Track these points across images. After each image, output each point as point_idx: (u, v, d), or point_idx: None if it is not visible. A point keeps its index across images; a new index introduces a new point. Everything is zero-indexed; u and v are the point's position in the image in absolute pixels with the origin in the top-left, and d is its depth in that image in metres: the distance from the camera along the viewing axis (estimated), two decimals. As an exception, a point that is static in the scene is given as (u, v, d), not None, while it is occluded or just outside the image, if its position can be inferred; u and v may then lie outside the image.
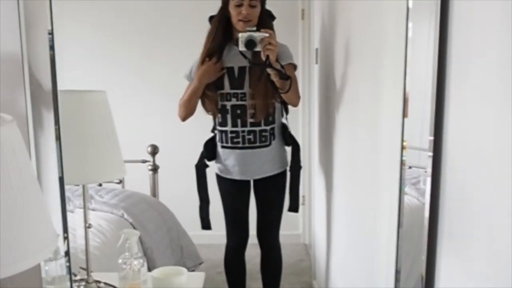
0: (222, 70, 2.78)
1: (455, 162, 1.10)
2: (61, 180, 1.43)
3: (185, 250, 3.49)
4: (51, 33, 1.36)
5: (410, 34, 1.30)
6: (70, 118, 1.55)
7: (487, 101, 0.95)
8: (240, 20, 2.67)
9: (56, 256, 1.51)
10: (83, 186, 1.71)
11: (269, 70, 2.49)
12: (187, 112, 2.88)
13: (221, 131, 2.86)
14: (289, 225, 4.37)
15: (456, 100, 1.09)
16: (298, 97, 2.83)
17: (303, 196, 4.68)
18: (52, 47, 1.38)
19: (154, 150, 3.79)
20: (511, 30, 0.84)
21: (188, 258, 3.49)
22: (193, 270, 3.52)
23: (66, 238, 1.48)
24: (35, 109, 1.39)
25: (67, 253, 1.51)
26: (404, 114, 1.36)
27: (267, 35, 2.43)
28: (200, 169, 2.97)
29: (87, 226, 1.71)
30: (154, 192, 3.81)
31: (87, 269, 1.76)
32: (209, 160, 2.98)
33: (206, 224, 3.00)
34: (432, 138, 1.17)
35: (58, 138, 1.42)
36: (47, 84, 1.38)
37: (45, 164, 1.43)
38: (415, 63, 1.31)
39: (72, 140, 1.55)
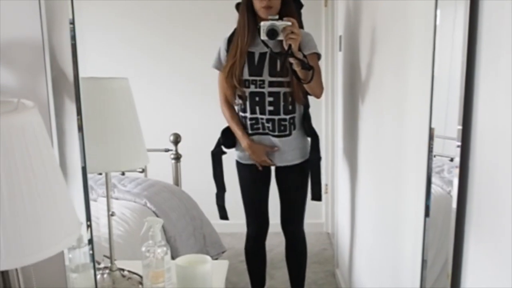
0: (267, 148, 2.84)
1: (484, 152, 1.07)
2: (84, 168, 1.43)
3: (208, 239, 3.48)
4: (72, 20, 1.35)
5: (438, 22, 1.27)
6: (93, 105, 1.54)
7: None
8: (262, 7, 2.64)
9: (79, 244, 1.51)
10: (106, 174, 1.70)
11: (291, 60, 2.46)
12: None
13: (242, 117, 2.85)
14: (312, 214, 4.36)
15: (486, 88, 1.06)
16: (322, 88, 2.79)
17: (326, 185, 4.66)
18: (73, 35, 1.37)
19: (177, 139, 3.78)
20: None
21: (211, 247, 3.49)
22: (216, 259, 3.51)
23: (89, 226, 1.47)
24: (56, 96, 1.38)
25: (90, 241, 1.51)
26: (432, 102, 1.33)
27: (289, 23, 2.39)
28: (216, 155, 2.96)
29: (110, 214, 1.71)
30: (177, 181, 3.81)
31: (110, 257, 1.76)
32: (227, 147, 2.97)
33: (223, 213, 3.01)
34: (460, 127, 1.14)
35: (80, 126, 1.41)
36: (68, 71, 1.37)
37: (68, 152, 1.42)
38: (443, 50, 1.28)
39: (94, 128, 1.53)
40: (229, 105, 2.89)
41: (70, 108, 1.40)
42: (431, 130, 1.35)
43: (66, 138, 1.42)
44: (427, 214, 1.38)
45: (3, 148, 0.91)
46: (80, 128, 1.42)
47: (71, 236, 1.04)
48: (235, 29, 2.81)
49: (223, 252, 3.59)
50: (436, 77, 1.30)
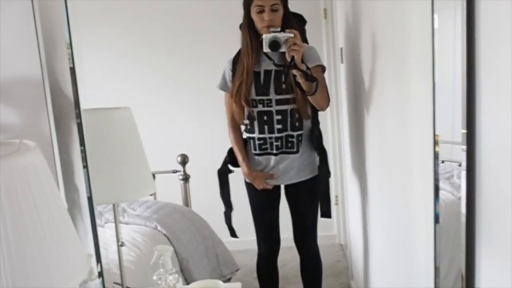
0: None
1: (490, 155, 1.07)
2: (90, 199, 1.42)
3: (220, 258, 3.47)
4: (71, 54, 1.36)
5: (436, 26, 1.28)
6: (96, 137, 1.54)
7: None
8: (264, 27, 2.63)
9: (90, 277, 1.50)
10: (114, 205, 1.70)
11: (294, 71, 2.45)
12: None
13: (250, 138, 2.84)
14: (324, 226, 4.32)
15: (488, 90, 1.06)
16: (327, 100, 2.78)
17: (336, 197, 4.65)
18: (72, 64, 1.37)
19: (184, 160, 3.78)
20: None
21: (224, 266, 3.48)
22: (230, 278, 3.50)
23: (98, 259, 1.47)
24: (59, 130, 1.39)
25: (100, 274, 1.50)
26: (435, 108, 1.32)
27: (291, 35, 2.39)
28: (223, 174, 2.96)
29: (120, 245, 1.70)
30: (187, 202, 3.80)
31: (122, 285, 1.75)
32: (234, 166, 2.96)
33: (232, 231, 3.01)
34: (465, 131, 1.14)
35: (84, 158, 1.41)
36: (70, 104, 1.37)
37: (74, 185, 1.42)
38: (442, 55, 1.28)
39: (99, 159, 1.54)
40: (235, 127, 2.89)
41: (73, 141, 1.40)
42: (435, 136, 1.35)
43: (71, 171, 1.42)
44: (436, 221, 1.38)
45: (7, 191, 0.90)
46: (84, 159, 1.42)
47: (80, 274, 1.04)
48: (240, 50, 2.81)
49: (236, 271, 3.58)
50: (438, 83, 1.30)
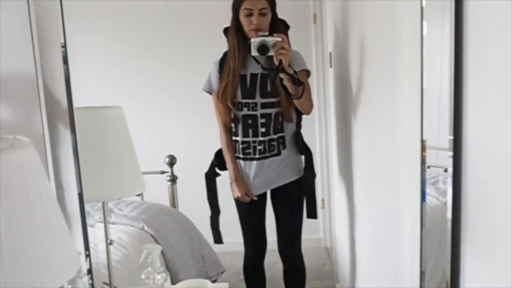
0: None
1: (476, 161, 1.09)
2: (81, 197, 1.43)
3: (207, 260, 3.48)
4: (65, 52, 1.36)
5: (425, 33, 1.29)
6: (88, 135, 1.55)
7: (506, 97, 0.93)
8: (252, 30, 2.65)
9: (78, 274, 1.51)
10: (103, 203, 1.71)
11: (281, 75, 2.47)
12: None
13: (234, 141, 2.85)
14: (310, 229, 4.34)
15: (474, 97, 1.08)
16: (311, 105, 2.81)
17: (323, 200, 4.67)
18: (66, 63, 1.38)
19: (172, 161, 3.79)
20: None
21: (210, 267, 3.48)
22: (215, 279, 3.51)
23: (88, 256, 1.47)
24: (51, 128, 1.39)
25: (89, 271, 1.51)
26: (422, 113, 1.34)
27: (279, 39, 2.41)
28: (210, 178, 2.95)
29: (109, 243, 1.71)
30: (174, 203, 3.81)
31: (110, 285, 1.76)
32: (221, 169, 2.96)
33: (217, 237, 2.99)
34: (451, 137, 1.15)
35: (76, 156, 1.41)
36: (63, 102, 1.38)
37: (65, 182, 1.43)
38: (431, 61, 1.29)
39: (90, 157, 1.54)
40: (227, 130, 2.87)
41: (65, 138, 1.41)
42: (422, 142, 1.36)
43: (62, 168, 1.43)
44: (423, 225, 1.39)
45: (0, 187, 0.91)
46: (76, 157, 1.43)
47: (70, 270, 1.05)
48: (225, 52, 2.82)
49: (222, 272, 3.58)
50: (426, 89, 1.31)
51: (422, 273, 1.42)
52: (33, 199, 0.96)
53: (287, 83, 2.51)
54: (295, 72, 2.50)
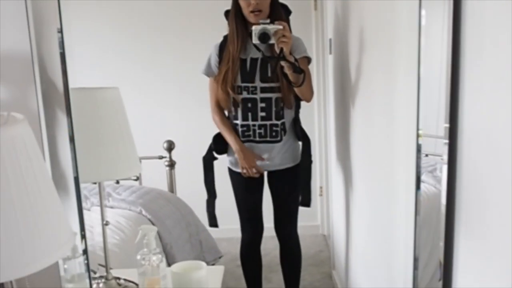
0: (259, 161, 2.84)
1: (471, 149, 1.09)
2: (76, 179, 1.43)
3: (204, 245, 3.49)
4: (60, 31, 1.36)
5: (423, 22, 1.29)
6: (84, 115, 1.55)
7: (502, 87, 0.93)
8: (251, 12, 2.64)
9: (74, 254, 1.52)
10: (99, 183, 1.71)
11: (282, 63, 2.47)
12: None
13: (234, 125, 2.85)
14: (308, 217, 4.36)
15: (471, 86, 1.07)
16: (312, 92, 2.81)
17: (321, 187, 4.68)
18: (62, 45, 1.38)
19: (170, 146, 3.79)
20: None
21: (208, 253, 3.49)
22: (213, 264, 3.52)
23: (83, 236, 1.48)
24: (47, 108, 1.40)
25: (85, 251, 1.52)
26: (419, 102, 1.34)
27: (281, 27, 2.40)
28: (208, 161, 2.96)
29: (105, 224, 1.71)
30: (172, 188, 3.81)
31: (106, 266, 1.76)
32: (218, 153, 2.97)
33: (213, 220, 3.00)
34: (447, 125, 1.15)
35: (71, 137, 1.42)
36: (58, 82, 1.38)
37: (60, 162, 1.43)
38: (428, 50, 1.29)
39: (86, 138, 1.54)
40: (219, 110, 2.88)
41: (61, 119, 1.41)
42: (418, 130, 1.37)
43: (58, 149, 1.43)
44: (417, 212, 1.40)
45: (-6, 162, 0.91)
46: (72, 139, 1.43)
47: (64, 246, 1.05)
48: (225, 36, 2.81)
49: (219, 258, 3.60)
50: (423, 77, 1.31)
51: (415, 260, 1.42)
52: (27, 174, 0.96)
53: (287, 71, 2.51)
54: (296, 60, 2.50)
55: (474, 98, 1.06)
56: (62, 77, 1.39)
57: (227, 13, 2.80)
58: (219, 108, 2.87)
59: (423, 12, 1.29)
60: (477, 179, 1.06)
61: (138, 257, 1.66)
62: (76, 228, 1.47)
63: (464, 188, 1.13)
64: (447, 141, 1.16)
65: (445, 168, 1.18)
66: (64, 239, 1.05)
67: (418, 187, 1.38)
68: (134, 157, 1.69)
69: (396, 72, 1.75)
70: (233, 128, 2.85)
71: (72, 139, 1.44)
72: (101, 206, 1.69)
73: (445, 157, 1.17)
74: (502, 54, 0.93)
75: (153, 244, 1.66)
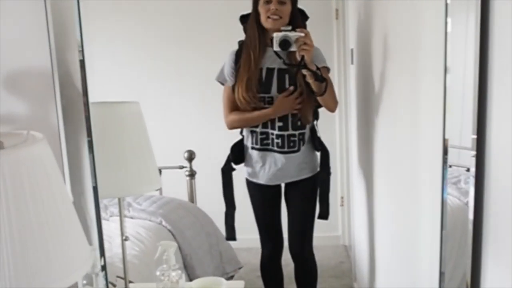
0: (299, 104, 2.70)
1: (500, 162, 1.07)
2: (96, 193, 1.42)
3: (224, 255, 3.47)
4: (81, 46, 1.35)
5: (449, 30, 1.28)
6: (104, 130, 1.54)
7: None
8: (269, 18, 2.60)
9: (93, 269, 1.50)
10: (119, 199, 1.70)
11: (304, 71, 2.44)
12: (241, 127, 2.86)
13: (251, 132, 2.80)
14: (329, 227, 4.33)
15: (500, 96, 1.05)
16: (336, 102, 2.76)
17: (342, 197, 4.65)
18: (82, 59, 1.37)
19: (191, 156, 3.79)
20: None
21: (228, 263, 3.47)
22: (232, 275, 3.50)
23: (102, 253, 1.47)
24: (67, 122, 1.39)
25: (103, 268, 1.50)
26: (445, 112, 1.32)
27: (302, 34, 2.37)
28: (226, 173, 2.90)
29: (124, 239, 1.70)
30: (192, 198, 3.80)
31: (125, 282, 1.75)
32: (236, 163, 2.92)
33: (231, 233, 2.93)
34: (475, 136, 1.13)
35: (91, 151, 1.41)
36: (78, 97, 1.37)
37: (80, 177, 1.42)
38: (454, 59, 1.28)
39: (106, 153, 1.54)
40: (234, 110, 2.80)
41: (81, 133, 1.40)
42: (445, 141, 1.34)
43: (77, 163, 1.42)
44: (443, 227, 1.37)
45: (13, 182, 0.90)
46: (91, 151, 1.42)
47: (82, 268, 1.03)
48: (241, 43, 2.79)
49: (239, 268, 3.57)
50: (449, 87, 1.30)
51: (441, 274, 1.40)
52: (45, 196, 0.95)
53: (309, 79, 2.47)
54: (318, 69, 2.46)
55: (503, 108, 1.04)
56: (82, 91, 1.38)
57: (242, 18, 2.78)
58: (232, 110, 2.80)
59: (449, 20, 1.27)
60: (506, 193, 1.03)
61: (158, 273, 1.65)
62: (95, 242, 1.46)
63: (492, 203, 1.10)
64: (474, 152, 1.14)
65: (472, 181, 1.15)
66: (82, 260, 1.04)
67: (443, 200, 1.36)
68: (154, 172, 1.67)
69: (421, 81, 1.73)
70: (252, 135, 2.79)
71: (91, 151, 1.43)
72: (121, 221, 1.68)
73: (473, 170, 1.15)
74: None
75: (173, 260, 1.65)
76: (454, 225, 1.33)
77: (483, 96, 1.10)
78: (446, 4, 1.28)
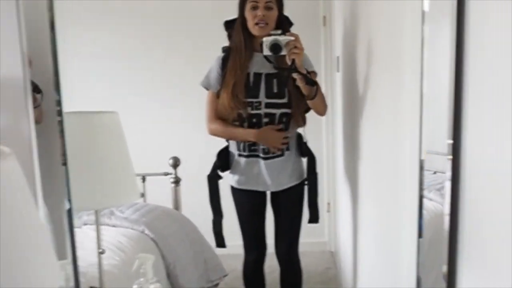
0: (284, 138, 2.71)
1: (475, 166, 1.07)
2: (70, 211, 1.39)
3: (209, 263, 3.43)
4: (53, 54, 1.32)
5: (426, 36, 1.28)
6: (81, 141, 1.51)
7: (506, 102, 0.90)
8: (256, 24, 2.60)
9: (67, 283, 1.47)
10: (96, 211, 1.66)
11: (294, 75, 2.43)
12: (222, 138, 2.85)
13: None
14: (315, 233, 4.32)
15: (474, 102, 1.06)
16: (325, 105, 2.75)
17: (328, 203, 4.64)
18: (56, 70, 1.33)
19: (176, 163, 3.75)
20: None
21: (212, 271, 3.44)
22: (217, 283, 3.47)
23: (75, 267, 1.43)
24: (40, 134, 1.35)
25: (77, 282, 1.47)
26: (421, 118, 1.33)
27: (292, 38, 2.37)
28: (213, 180, 2.88)
29: (100, 252, 1.67)
30: (177, 205, 3.76)
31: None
32: (222, 170, 2.90)
33: (220, 240, 2.92)
34: (451, 141, 1.14)
35: (65, 163, 1.37)
36: (51, 107, 1.34)
37: (54, 190, 1.39)
38: (432, 66, 1.28)
39: (82, 164, 1.50)
40: (218, 118, 2.78)
41: (54, 145, 1.37)
42: (421, 146, 1.35)
43: (51, 176, 1.38)
44: (420, 234, 1.37)
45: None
46: (65, 165, 1.39)
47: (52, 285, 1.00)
48: (226, 48, 2.77)
49: (224, 276, 3.54)
50: (426, 93, 1.30)
51: (418, 279, 1.40)
52: (10, 213, 0.92)
53: (300, 83, 2.47)
54: (308, 72, 2.45)
55: (478, 112, 1.04)
56: (56, 101, 1.35)
57: (227, 24, 2.76)
58: (216, 118, 2.79)
59: (426, 27, 1.28)
60: (482, 197, 1.03)
61: (135, 286, 1.61)
62: (68, 255, 1.42)
63: (467, 206, 1.11)
64: (450, 157, 1.14)
65: (448, 184, 1.16)
66: (52, 278, 1.01)
67: (420, 207, 1.36)
68: (132, 184, 1.65)
69: (401, 88, 1.73)
70: (239, 143, 2.77)
71: (65, 164, 1.39)
72: (98, 234, 1.65)
73: (448, 174, 1.16)
74: (506, 67, 0.90)
75: (150, 273, 1.62)
76: (436, 231, 1.32)
77: (459, 101, 1.11)
78: (423, 12, 1.28)
